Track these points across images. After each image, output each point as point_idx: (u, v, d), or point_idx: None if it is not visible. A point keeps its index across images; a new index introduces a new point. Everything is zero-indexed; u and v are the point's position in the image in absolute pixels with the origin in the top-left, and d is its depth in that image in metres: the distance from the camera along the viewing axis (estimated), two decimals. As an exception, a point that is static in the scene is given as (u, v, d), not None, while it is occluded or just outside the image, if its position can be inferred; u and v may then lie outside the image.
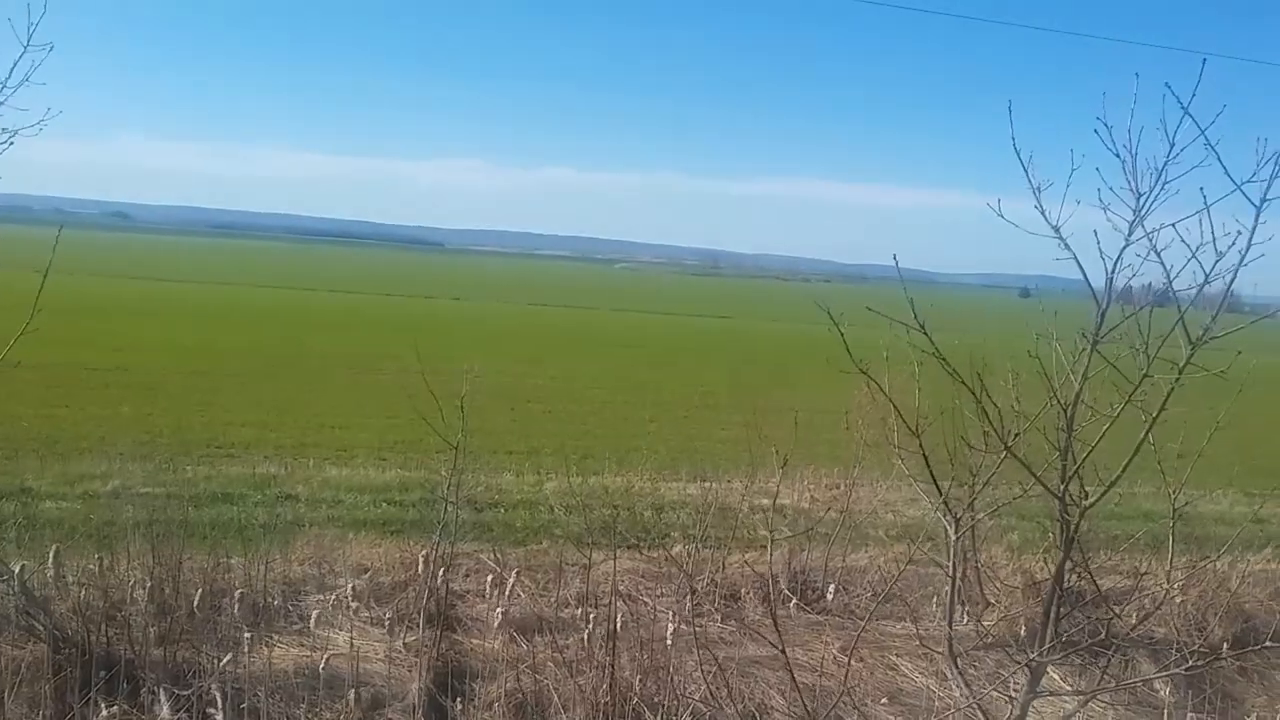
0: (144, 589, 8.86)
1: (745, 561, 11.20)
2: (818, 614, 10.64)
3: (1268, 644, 6.98)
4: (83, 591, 8.51)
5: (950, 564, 5.82)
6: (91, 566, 9.09)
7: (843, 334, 5.19)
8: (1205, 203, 4.28)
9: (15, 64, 5.70)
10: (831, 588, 10.96)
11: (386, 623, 9.23)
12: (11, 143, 5.87)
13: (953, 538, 5.54)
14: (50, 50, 5.66)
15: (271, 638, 8.75)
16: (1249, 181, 4.28)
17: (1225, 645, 9.54)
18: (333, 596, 9.70)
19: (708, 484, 14.78)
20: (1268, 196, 4.27)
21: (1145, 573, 5.82)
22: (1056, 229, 4.64)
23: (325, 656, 8.09)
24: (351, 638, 8.62)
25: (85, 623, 7.80)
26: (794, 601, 10.77)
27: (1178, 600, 10.48)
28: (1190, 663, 5.41)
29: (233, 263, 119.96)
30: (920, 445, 5.37)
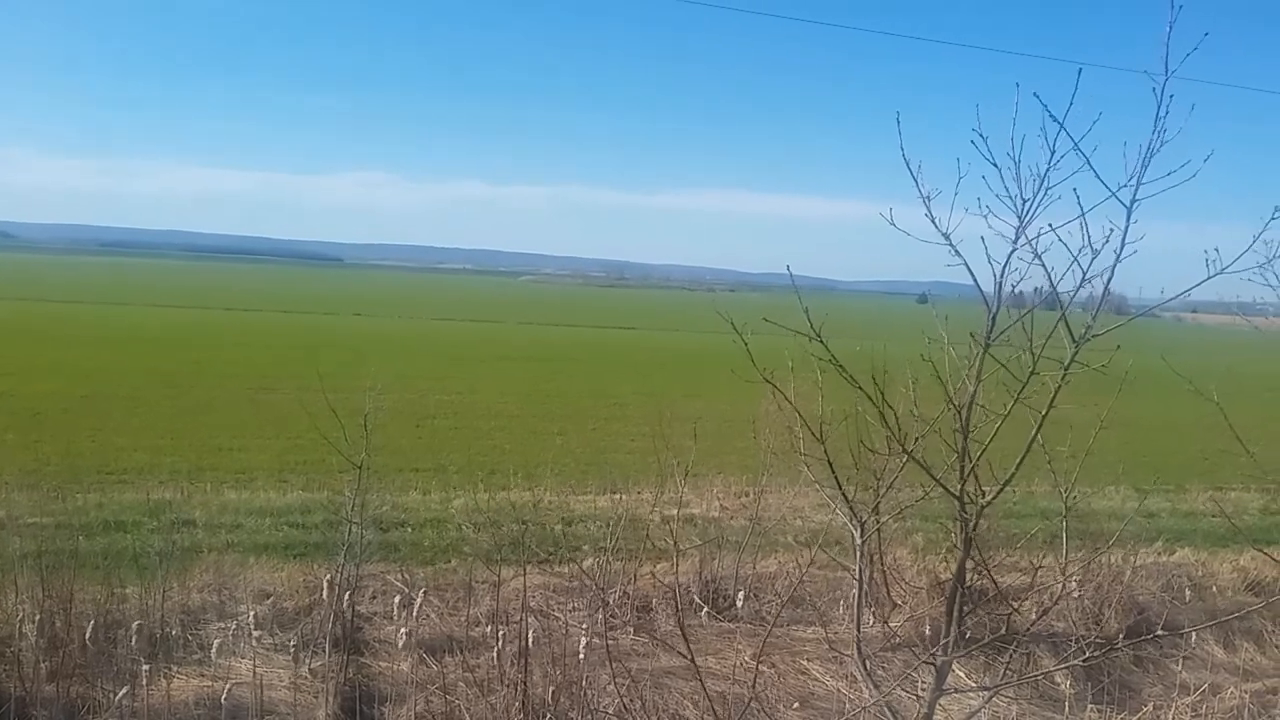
0: (33, 623, 8.50)
1: (655, 573, 11.23)
2: (729, 621, 10.72)
3: (1159, 633, 7.27)
4: (-34, 629, 8.14)
5: (857, 567, 5.91)
6: (-25, 602, 8.70)
7: (745, 343, 5.24)
8: (1082, 209, 4.45)
9: None
10: (741, 595, 11.05)
11: (291, 649, 9.01)
12: None
13: (858, 541, 5.63)
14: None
15: (170, 669, 8.47)
16: (1124, 186, 4.46)
17: (1121, 636, 9.88)
18: (234, 624, 9.43)
19: (618, 495, 14.75)
20: (1137, 198, 4.47)
21: (1040, 567, 5.98)
22: (947, 236, 4.76)
23: (227, 686, 7.86)
24: (254, 666, 8.39)
25: (-31, 662, 7.45)
26: (705, 610, 10.83)
27: (1075, 595, 10.84)
28: (1087, 654, 5.57)
29: (123, 281, 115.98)
30: (825, 451, 5.46)
